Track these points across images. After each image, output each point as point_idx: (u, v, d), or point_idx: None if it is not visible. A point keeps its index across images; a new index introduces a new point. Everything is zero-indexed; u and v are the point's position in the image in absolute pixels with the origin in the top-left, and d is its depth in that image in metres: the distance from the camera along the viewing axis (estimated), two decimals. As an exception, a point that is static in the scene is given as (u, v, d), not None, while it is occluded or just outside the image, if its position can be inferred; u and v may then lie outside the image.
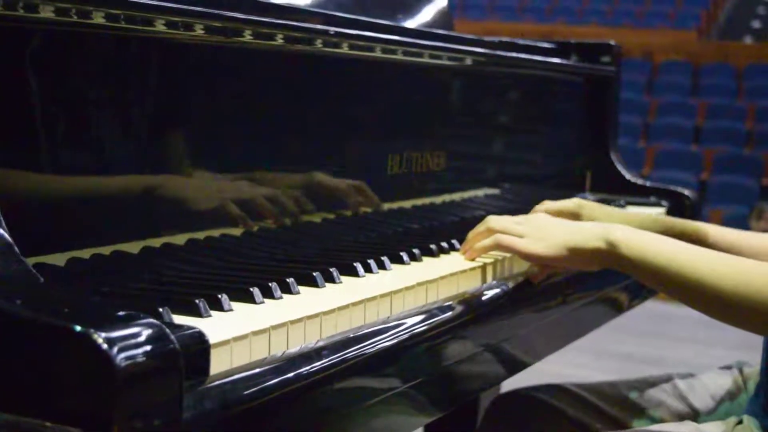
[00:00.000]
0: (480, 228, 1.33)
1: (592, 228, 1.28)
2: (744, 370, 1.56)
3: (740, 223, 6.71)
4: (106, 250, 1.03)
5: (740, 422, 1.36)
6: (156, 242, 1.10)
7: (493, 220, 1.32)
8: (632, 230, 1.25)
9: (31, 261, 0.90)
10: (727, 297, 1.16)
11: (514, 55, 1.85)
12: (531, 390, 1.64)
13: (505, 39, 1.88)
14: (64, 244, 0.98)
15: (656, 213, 2.00)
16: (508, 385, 1.72)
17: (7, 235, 0.83)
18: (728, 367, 1.59)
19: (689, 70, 10.64)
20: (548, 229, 1.28)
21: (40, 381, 0.72)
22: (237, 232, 1.22)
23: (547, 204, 1.50)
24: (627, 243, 1.22)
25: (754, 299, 1.15)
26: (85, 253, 1.00)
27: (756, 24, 12.87)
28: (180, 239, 1.13)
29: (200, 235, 1.16)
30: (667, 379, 1.60)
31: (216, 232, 1.19)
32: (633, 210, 2.01)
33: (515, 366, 1.39)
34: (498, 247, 1.30)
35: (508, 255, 1.36)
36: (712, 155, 8.68)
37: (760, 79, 10.13)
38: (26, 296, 0.77)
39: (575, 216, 1.47)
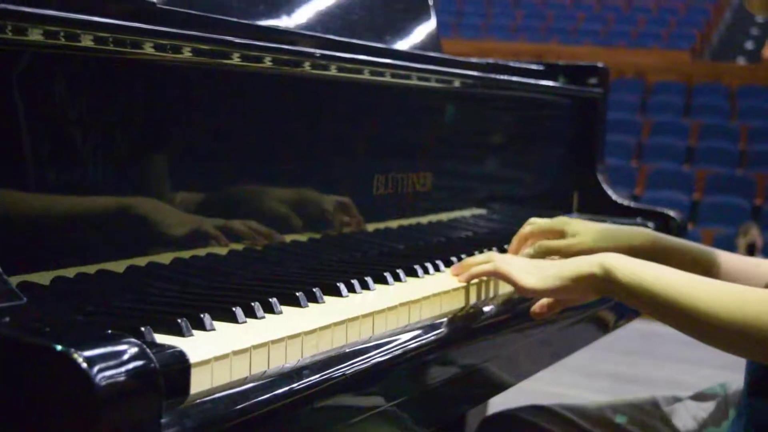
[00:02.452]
0: (481, 257, 1.34)
1: (587, 257, 1.27)
2: (728, 392, 1.57)
3: (731, 243, 6.75)
4: (91, 269, 1.04)
5: (720, 443, 1.37)
6: (141, 261, 1.11)
7: (496, 254, 1.33)
8: (627, 257, 1.24)
9: (15, 280, 0.91)
10: (723, 323, 1.15)
11: (502, 77, 1.87)
12: (518, 411, 1.65)
13: (492, 61, 1.90)
14: (49, 263, 0.99)
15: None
16: (499, 403, 1.73)
17: (-10, 255, 0.84)
18: (713, 389, 1.61)
19: (682, 91, 10.69)
20: (544, 265, 1.29)
21: (20, 399, 0.73)
22: (222, 251, 1.23)
23: (535, 220, 1.51)
24: (622, 268, 1.21)
25: (749, 325, 1.14)
26: (70, 272, 1.01)
27: (749, 45, 12.95)
28: (165, 258, 1.14)
29: (186, 255, 1.17)
30: (652, 401, 1.61)
31: (201, 252, 1.20)
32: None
33: (499, 385, 1.40)
34: (495, 273, 1.29)
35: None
36: (704, 175, 8.72)
37: (753, 100, 10.19)
38: (8, 315, 0.79)
39: (561, 233, 1.48)
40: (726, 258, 1.49)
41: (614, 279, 1.21)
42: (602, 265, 1.22)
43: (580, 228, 1.49)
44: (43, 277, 0.98)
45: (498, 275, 1.29)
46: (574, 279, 1.23)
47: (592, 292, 1.25)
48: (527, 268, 1.27)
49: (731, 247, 6.55)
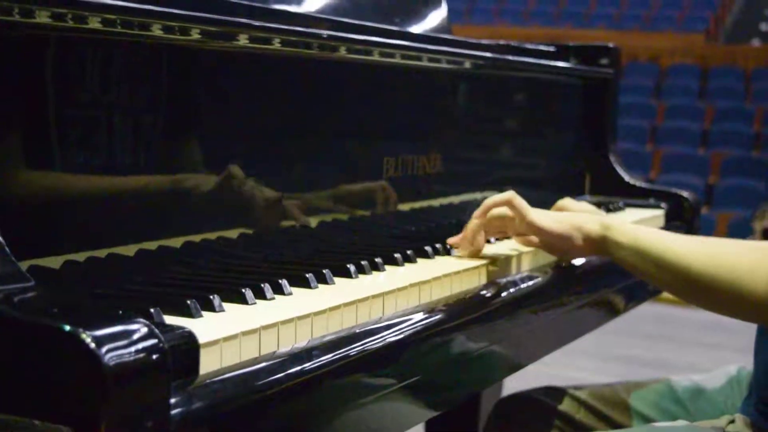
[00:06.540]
0: (500, 198, 1.40)
1: (591, 215, 1.43)
2: (740, 372, 1.57)
3: (747, 227, 6.70)
4: (101, 253, 1.04)
5: (732, 421, 1.36)
6: (152, 245, 1.11)
7: (515, 195, 1.40)
8: (625, 221, 1.36)
9: (26, 263, 0.92)
10: (714, 284, 1.22)
11: (512, 58, 1.86)
12: (533, 393, 1.66)
13: (502, 42, 1.89)
14: (59, 247, 0.99)
15: (654, 215, 2.01)
16: (514, 386, 1.73)
17: (-1, 237, 0.84)
18: (726, 371, 1.60)
19: (697, 74, 10.62)
20: (554, 212, 1.43)
21: (30, 380, 0.73)
22: (233, 234, 1.23)
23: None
24: (620, 228, 1.33)
25: (727, 280, 1.21)
26: (81, 256, 1.01)
27: (764, 26, 12.85)
28: (176, 242, 1.15)
29: (196, 238, 1.17)
30: (666, 383, 1.61)
31: (212, 235, 1.20)
32: (632, 212, 2.02)
33: (511, 367, 1.39)
34: (510, 204, 1.37)
35: (502, 256, 1.37)
36: (719, 158, 8.67)
37: (768, 82, 10.11)
38: (16, 297, 0.79)
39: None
40: None
41: (612, 238, 1.32)
42: (603, 223, 1.34)
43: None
44: (54, 262, 0.98)
45: (511, 204, 1.37)
46: (581, 231, 1.34)
47: (591, 248, 1.36)
48: (539, 210, 1.39)
49: (748, 230, 6.52)
